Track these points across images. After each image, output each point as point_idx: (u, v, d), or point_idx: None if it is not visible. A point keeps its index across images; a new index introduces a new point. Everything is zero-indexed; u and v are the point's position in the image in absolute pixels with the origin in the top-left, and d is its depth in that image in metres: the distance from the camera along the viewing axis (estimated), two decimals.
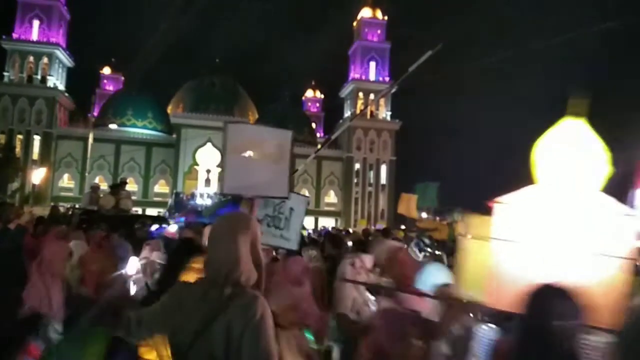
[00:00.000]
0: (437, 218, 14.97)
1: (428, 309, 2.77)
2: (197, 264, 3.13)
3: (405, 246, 6.82)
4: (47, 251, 3.62)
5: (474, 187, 59.80)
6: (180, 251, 4.53)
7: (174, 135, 52.26)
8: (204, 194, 46.73)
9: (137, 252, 6.06)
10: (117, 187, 10.16)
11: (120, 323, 1.92)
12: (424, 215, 15.83)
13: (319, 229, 27.54)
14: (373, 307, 3.84)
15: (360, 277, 4.08)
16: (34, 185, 42.51)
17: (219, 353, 1.64)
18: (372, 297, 3.89)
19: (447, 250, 8.02)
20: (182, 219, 17.44)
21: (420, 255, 6.16)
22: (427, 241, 6.50)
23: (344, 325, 3.83)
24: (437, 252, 6.40)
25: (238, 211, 2.30)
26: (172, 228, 7.95)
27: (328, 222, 45.61)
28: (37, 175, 33.04)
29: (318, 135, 62.71)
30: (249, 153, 4.11)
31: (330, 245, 6.76)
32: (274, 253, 4.69)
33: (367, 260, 4.18)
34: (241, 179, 4.10)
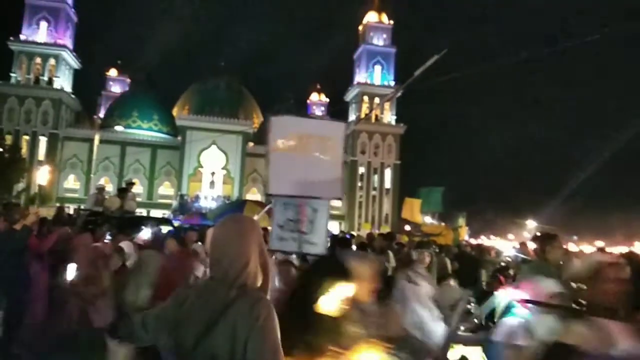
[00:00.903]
0: (442, 223, 14.93)
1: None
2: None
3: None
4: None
5: (478, 192, 59.70)
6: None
7: (179, 138, 52.41)
8: (208, 196, 46.92)
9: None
10: (125, 190, 10.18)
11: (125, 327, 1.93)
12: (429, 220, 15.79)
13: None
14: (435, 324, 3.70)
15: (421, 288, 3.89)
16: (39, 185, 42.74)
17: (223, 353, 1.64)
18: (426, 314, 3.77)
19: (451, 256, 8.00)
20: (184, 221, 17.46)
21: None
22: (433, 246, 6.48)
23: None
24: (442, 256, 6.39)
25: (243, 215, 2.27)
26: (145, 234, 7.10)
27: (332, 226, 45.56)
28: (42, 175, 33.20)
29: None
30: (295, 149, 3.76)
31: (339, 248, 6.75)
32: (273, 257, 4.50)
33: (422, 271, 4.00)
34: (288, 179, 3.81)
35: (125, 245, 4.90)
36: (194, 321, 1.70)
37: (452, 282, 5.21)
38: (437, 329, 3.68)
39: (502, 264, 9.01)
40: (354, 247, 8.14)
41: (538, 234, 4.87)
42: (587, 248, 24.55)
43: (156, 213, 34.75)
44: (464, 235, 15.09)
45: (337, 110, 59.20)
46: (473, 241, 16.78)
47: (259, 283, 1.80)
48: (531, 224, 39.78)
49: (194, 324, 1.69)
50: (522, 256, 7.83)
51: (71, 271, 4.24)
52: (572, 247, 22.16)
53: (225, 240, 1.83)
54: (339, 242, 7.09)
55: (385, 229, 43.71)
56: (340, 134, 3.89)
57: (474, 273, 7.32)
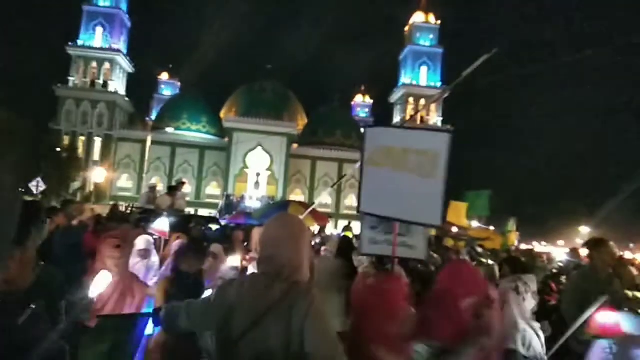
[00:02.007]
0: (491, 227, 14.55)
1: None
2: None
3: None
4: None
5: (529, 196, 57.73)
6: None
7: (226, 139, 53.54)
8: (253, 196, 47.64)
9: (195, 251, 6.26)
10: (175, 188, 10.49)
11: (167, 314, 2.00)
12: (475, 224, 15.41)
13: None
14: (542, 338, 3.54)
15: (527, 303, 3.70)
16: (95, 184, 44.67)
17: (275, 344, 1.68)
18: (538, 325, 3.64)
19: (499, 261, 7.77)
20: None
21: (473, 264, 6.01)
22: (479, 250, 6.31)
23: None
24: (489, 262, 6.21)
25: (293, 215, 2.32)
26: (161, 224, 6.50)
27: None
28: (98, 174, 34.62)
29: None
30: (391, 164, 3.39)
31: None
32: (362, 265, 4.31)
33: (532, 282, 3.78)
34: (382, 197, 3.45)
35: (143, 240, 5.13)
36: (244, 313, 1.75)
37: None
38: (538, 347, 3.53)
39: (554, 270, 8.69)
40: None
41: (588, 239, 4.68)
42: None
43: (203, 212, 35.61)
44: (514, 240, 14.62)
45: (381, 112, 58.84)
46: (524, 246, 16.24)
47: (306, 278, 1.86)
48: (584, 230, 38.16)
49: (244, 316, 1.74)
50: (575, 261, 7.52)
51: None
52: (627, 255, 21.13)
53: (279, 238, 1.89)
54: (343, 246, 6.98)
55: (431, 232, 42.96)
56: (444, 146, 3.34)
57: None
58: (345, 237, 6.24)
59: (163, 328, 2.13)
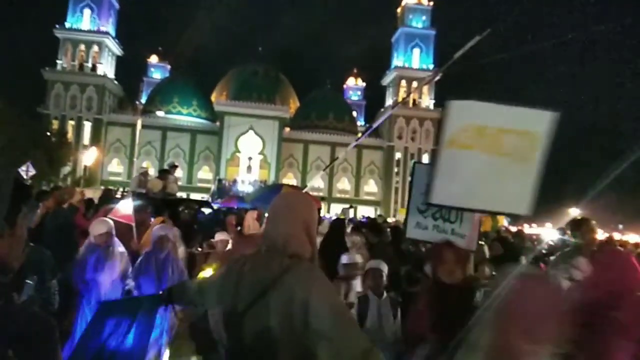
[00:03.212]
0: None
1: None
2: None
3: None
4: None
5: None
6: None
7: (217, 123, 53.22)
8: (245, 180, 47.57)
9: (184, 235, 6.25)
10: (167, 171, 10.44)
11: (182, 292, 2.02)
12: None
13: (358, 218, 27.52)
14: None
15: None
16: (85, 167, 44.32)
17: (277, 318, 1.68)
18: None
19: (489, 242, 7.86)
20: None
21: None
22: None
23: None
24: (480, 243, 6.28)
25: (298, 191, 2.30)
26: (124, 207, 5.52)
27: (368, 212, 45.46)
28: (89, 156, 34.33)
29: (359, 123, 62.39)
30: (478, 146, 2.90)
31: (371, 234, 6.74)
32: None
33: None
34: (460, 185, 2.98)
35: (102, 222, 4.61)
36: (248, 287, 1.76)
37: (487, 269, 5.12)
38: None
39: (543, 251, 8.80)
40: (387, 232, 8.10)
41: (570, 220, 4.73)
42: (634, 237, 23.62)
43: (195, 196, 35.52)
44: (503, 221, 14.77)
45: (374, 95, 58.56)
46: (513, 229, 16.43)
47: (307, 254, 1.85)
48: (574, 212, 38.54)
49: (248, 290, 1.75)
50: (566, 239, 7.62)
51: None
52: (616, 236, 21.44)
53: (277, 212, 1.92)
54: (372, 229, 7.04)
55: None
56: (545, 127, 2.88)
57: (512, 260, 7.18)
58: (338, 218, 6.30)
59: (173, 303, 2.14)
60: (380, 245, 6.27)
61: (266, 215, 2.23)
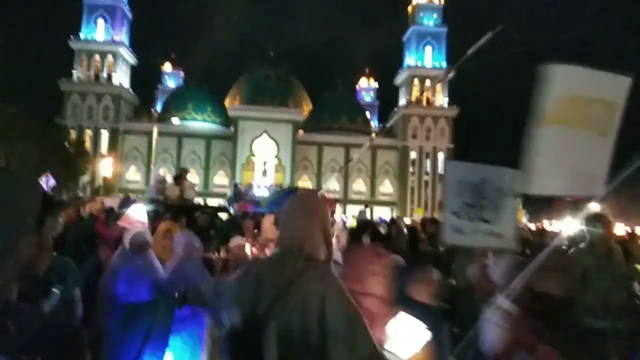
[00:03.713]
0: None
1: None
2: None
3: None
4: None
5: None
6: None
7: (232, 128, 53.56)
8: (261, 184, 47.78)
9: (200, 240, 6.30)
10: (180, 177, 10.56)
11: (198, 294, 2.05)
12: None
13: (375, 219, 27.38)
14: None
15: None
16: (104, 178, 44.93)
17: (295, 320, 1.70)
18: None
19: None
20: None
21: None
22: None
23: None
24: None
25: (310, 191, 2.33)
26: (136, 212, 5.19)
27: (383, 212, 45.31)
28: (105, 166, 34.77)
29: (372, 124, 62.25)
30: (573, 122, 2.58)
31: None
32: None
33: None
34: (559, 170, 2.63)
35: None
36: (266, 290, 1.78)
37: None
38: None
39: (564, 247, 8.67)
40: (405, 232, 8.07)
41: (585, 215, 4.60)
42: None
43: (212, 202, 35.75)
44: (521, 218, 14.63)
45: (386, 95, 58.40)
46: (533, 226, 16.25)
47: (322, 255, 1.86)
48: (594, 207, 37.87)
49: (266, 292, 1.77)
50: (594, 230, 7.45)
51: None
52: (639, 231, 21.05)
53: (290, 215, 1.93)
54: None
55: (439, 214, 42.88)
56: (623, 95, 2.58)
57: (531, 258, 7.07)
58: (364, 219, 6.23)
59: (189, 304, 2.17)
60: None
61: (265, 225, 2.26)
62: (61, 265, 1.93)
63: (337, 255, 4.62)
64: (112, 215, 8.00)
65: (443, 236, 3.40)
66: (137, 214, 5.18)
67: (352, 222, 12.70)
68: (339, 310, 1.68)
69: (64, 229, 6.03)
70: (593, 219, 4.37)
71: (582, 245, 4.47)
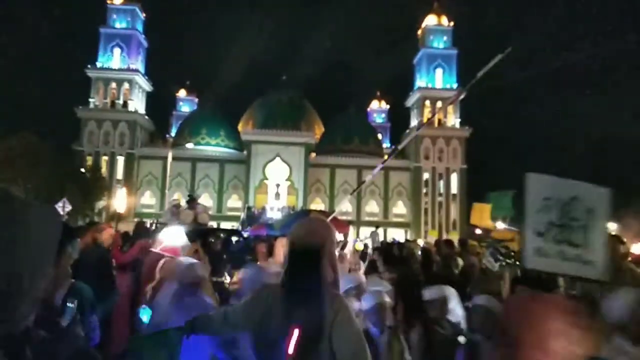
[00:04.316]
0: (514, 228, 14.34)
1: None
2: None
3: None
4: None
5: None
6: None
7: (245, 152, 54.03)
8: (274, 207, 47.88)
9: (212, 264, 6.31)
10: (192, 201, 10.65)
11: (207, 322, 2.06)
12: (500, 225, 15.22)
13: (389, 240, 27.19)
14: None
15: None
16: (117, 209, 45.42)
17: (305, 344, 1.72)
18: None
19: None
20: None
21: (496, 265, 5.94)
22: (502, 251, 6.22)
23: None
24: (516, 263, 6.12)
25: (318, 216, 2.34)
26: (174, 236, 4.84)
27: (397, 234, 44.99)
28: (120, 200, 34.98)
29: (384, 146, 62.36)
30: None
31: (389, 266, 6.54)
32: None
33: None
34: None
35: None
36: (277, 316, 1.79)
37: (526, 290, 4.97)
38: None
39: None
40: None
41: None
42: None
43: (226, 225, 35.90)
44: None
45: (398, 117, 58.56)
46: None
47: (329, 279, 1.88)
48: (611, 226, 37.16)
49: (277, 318, 1.79)
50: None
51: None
52: None
53: (299, 239, 1.95)
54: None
55: (453, 235, 42.52)
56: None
57: (547, 280, 6.96)
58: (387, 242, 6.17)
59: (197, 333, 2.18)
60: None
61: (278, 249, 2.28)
62: (78, 292, 1.96)
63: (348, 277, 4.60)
64: (128, 240, 8.08)
65: (525, 259, 3.17)
66: (175, 238, 4.65)
67: (357, 246, 12.57)
68: (347, 336, 1.70)
69: (81, 255, 6.09)
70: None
71: None
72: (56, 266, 1.73)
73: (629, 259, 5.26)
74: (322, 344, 1.70)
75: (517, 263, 5.69)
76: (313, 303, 1.75)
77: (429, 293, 3.38)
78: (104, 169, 50.76)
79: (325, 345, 1.70)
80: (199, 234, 8.81)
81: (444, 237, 44.28)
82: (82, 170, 44.69)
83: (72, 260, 1.92)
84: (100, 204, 45.81)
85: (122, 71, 54.86)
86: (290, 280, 1.84)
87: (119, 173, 53.35)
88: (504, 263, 6.04)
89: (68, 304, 1.73)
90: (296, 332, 1.71)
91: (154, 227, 10.64)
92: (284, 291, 1.85)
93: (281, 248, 8.00)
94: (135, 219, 25.95)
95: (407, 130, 57.68)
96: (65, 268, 1.78)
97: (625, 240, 4.26)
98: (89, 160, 50.78)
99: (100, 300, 3.60)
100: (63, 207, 21.27)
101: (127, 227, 13.37)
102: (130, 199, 49.11)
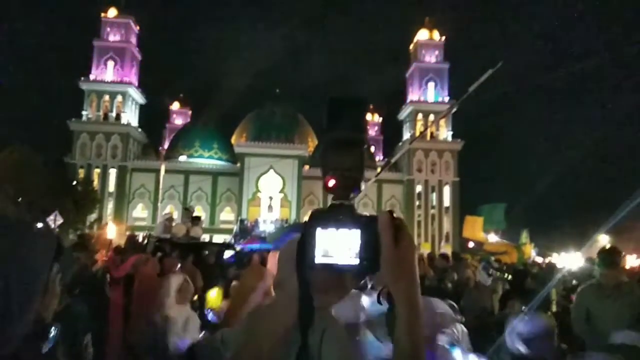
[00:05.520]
0: (504, 240, 14.42)
1: None
2: None
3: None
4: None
5: (548, 206, 56.94)
6: None
7: (238, 164, 54.01)
8: (267, 220, 47.77)
9: (205, 278, 6.30)
10: (197, 218, 10.58)
11: (208, 347, 2.06)
12: (492, 237, 15.30)
13: None
14: None
15: None
16: (111, 213, 44.97)
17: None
18: None
19: (517, 275, 7.70)
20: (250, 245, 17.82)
21: (489, 280, 5.97)
22: (495, 265, 6.27)
23: None
24: (506, 277, 6.16)
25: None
26: None
27: None
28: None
29: (377, 158, 62.56)
30: None
31: None
32: None
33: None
34: None
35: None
36: (270, 337, 1.79)
37: (517, 304, 5.01)
38: None
39: (574, 282, 8.59)
40: None
41: (598, 251, 4.52)
42: None
43: (219, 238, 35.73)
44: (530, 252, 14.45)
45: (391, 130, 58.87)
46: (540, 259, 16.05)
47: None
48: (603, 239, 37.37)
49: (270, 340, 1.78)
50: (588, 268, 7.41)
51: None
52: None
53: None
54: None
55: (447, 248, 42.58)
56: None
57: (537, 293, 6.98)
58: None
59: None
60: None
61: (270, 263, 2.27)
62: (71, 310, 1.96)
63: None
64: (119, 254, 8.03)
65: None
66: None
67: None
68: (334, 351, 1.71)
69: (77, 271, 6.05)
70: (602, 257, 4.27)
71: (588, 282, 4.42)
72: (45, 288, 1.73)
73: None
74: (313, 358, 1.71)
75: (509, 277, 5.73)
76: None
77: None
78: (95, 182, 50.45)
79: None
80: (192, 248, 8.79)
81: (437, 249, 44.40)
82: (74, 183, 44.38)
83: (63, 276, 1.92)
84: (92, 217, 45.48)
85: (115, 84, 54.82)
86: None
87: (111, 186, 53.06)
88: (496, 277, 6.08)
89: (52, 330, 1.71)
90: None
91: (145, 241, 10.59)
92: None
93: (274, 262, 8.00)
94: (127, 232, 25.77)
95: (400, 143, 58.00)
96: (53, 285, 1.78)
97: (622, 252, 4.30)
98: (81, 173, 50.49)
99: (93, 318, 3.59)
100: (54, 220, 21.09)
101: (120, 240, 13.29)
102: (121, 211, 48.81)
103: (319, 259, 0.87)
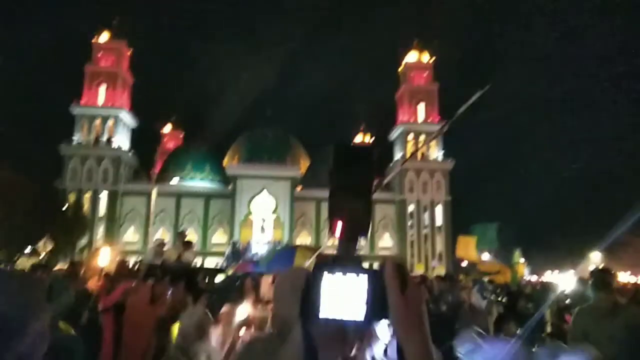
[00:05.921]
0: (496, 260, 14.44)
1: None
2: None
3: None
4: None
5: (540, 225, 57.01)
6: None
7: (230, 186, 53.86)
8: (260, 241, 47.48)
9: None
10: (189, 243, 10.46)
11: None
12: (485, 256, 15.29)
13: None
14: None
15: None
16: (101, 238, 44.46)
17: None
18: None
19: (511, 296, 7.67)
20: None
21: (484, 303, 5.94)
22: (489, 287, 6.24)
23: None
24: (500, 299, 6.12)
25: (301, 268, 2.33)
26: None
27: None
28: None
29: None
30: None
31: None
32: None
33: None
34: None
35: None
36: None
37: (513, 326, 4.98)
38: None
39: (567, 301, 8.57)
40: None
41: (591, 271, 4.51)
42: None
43: (210, 261, 35.44)
44: (523, 272, 14.46)
45: (382, 150, 59.14)
46: (534, 278, 16.05)
47: None
48: (596, 256, 37.44)
49: None
50: (581, 289, 7.39)
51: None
52: None
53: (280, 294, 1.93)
54: None
55: (441, 269, 42.44)
56: None
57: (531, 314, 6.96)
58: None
59: None
60: None
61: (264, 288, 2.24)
62: (65, 343, 1.93)
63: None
64: (109, 281, 7.91)
65: None
66: None
67: None
68: None
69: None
70: (595, 280, 4.25)
71: (586, 304, 4.40)
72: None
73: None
74: None
75: (503, 300, 5.71)
76: None
77: None
78: (86, 207, 49.96)
79: None
80: (184, 274, 8.69)
81: (430, 270, 44.20)
82: (64, 208, 43.94)
83: (54, 311, 1.89)
84: (82, 242, 44.95)
85: (106, 108, 54.85)
86: None
87: (102, 210, 52.58)
88: (490, 298, 6.05)
89: None
90: None
91: (136, 268, 10.46)
92: (273, 346, 1.84)
93: (267, 286, 7.92)
94: (118, 258, 25.45)
95: (391, 164, 58.27)
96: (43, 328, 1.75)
97: (614, 272, 4.28)
98: (72, 197, 50.07)
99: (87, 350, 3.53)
100: (44, 246, 20.86)
101: (110, 266, 13.08)
102: (112, 236, 48.33)
103: (324, 313, 0.86)
